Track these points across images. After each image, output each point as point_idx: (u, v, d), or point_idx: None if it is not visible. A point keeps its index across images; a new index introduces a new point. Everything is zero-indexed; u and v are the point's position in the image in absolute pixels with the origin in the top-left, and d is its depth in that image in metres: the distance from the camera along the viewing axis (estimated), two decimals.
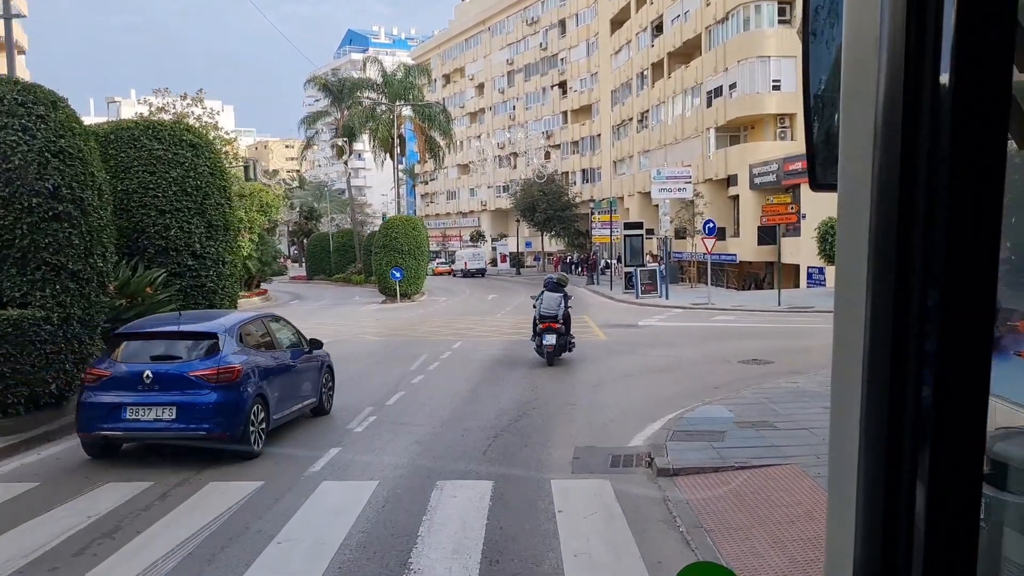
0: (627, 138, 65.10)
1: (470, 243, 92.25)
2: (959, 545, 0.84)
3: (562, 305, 18.56)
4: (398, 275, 39.89)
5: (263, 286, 59.32)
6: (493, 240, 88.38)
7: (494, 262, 76.50)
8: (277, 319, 12.01)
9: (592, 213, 49.68)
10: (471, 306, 37.44)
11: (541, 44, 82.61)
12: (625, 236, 38.19)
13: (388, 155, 54.44)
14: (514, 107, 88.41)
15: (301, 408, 11.40)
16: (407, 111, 54.03)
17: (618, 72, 66.40)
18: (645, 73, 60.54)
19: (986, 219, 0.80)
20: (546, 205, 70.00)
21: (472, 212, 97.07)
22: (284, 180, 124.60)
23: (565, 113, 79.80)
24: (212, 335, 9.81)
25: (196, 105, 40.32)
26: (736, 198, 47.63)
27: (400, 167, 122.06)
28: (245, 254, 46.96)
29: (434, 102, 59.46)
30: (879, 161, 0.84)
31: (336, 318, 31.64)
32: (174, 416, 9.19)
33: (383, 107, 52.56)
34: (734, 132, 48.76)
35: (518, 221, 74.18)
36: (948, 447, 0.82)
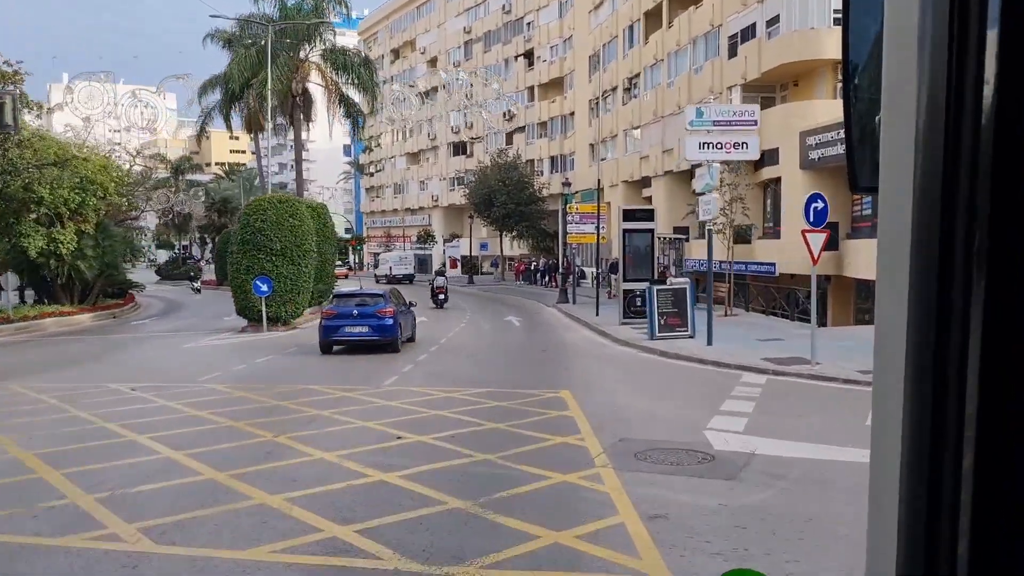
0: (609, 113, 50.27)
1: (417, 244, 76.97)
2: (1006, 550, 0.80)
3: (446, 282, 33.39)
4: (264, 289, 24.66)
5: (134, 292, 43.67)
6: (445, 241, 73.25)
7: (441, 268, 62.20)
8: (397, 291, 22.50)
9: (568, 202, 34.74)
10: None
11: (504, 6, 67.72)
12: (625, 232, 23.31)
13: (289, 121, 38.91)
14: (471, 83, 73.27)
15: (409, 335, 20.98)
16: (315, 57, 38.57)
17: (599, 31, 51.64)
18: (635, 26, 45.83)
19: None
20: (506, 197, 55.06)
21: (422, 209, 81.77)
22: (221, 173, 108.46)
23: (531, 89, 64.90)
24: (382, 295, 20.15)
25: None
26: (773, 184, 33.01)
27: (348, 160, 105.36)
28: (66, 251, 31.34)
29: (351, 49, 43.81)
30: (921, 163, 0.83)
31: (92, 388, 16.27)
32: (367, 330, 19.05)
33: (285, 52, 37.02)
34: (766, 91, 34.13)
35: (471, 218, 59.09)
36: (993, 452, 0.79)
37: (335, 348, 19.73)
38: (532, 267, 55.66)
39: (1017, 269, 0.77)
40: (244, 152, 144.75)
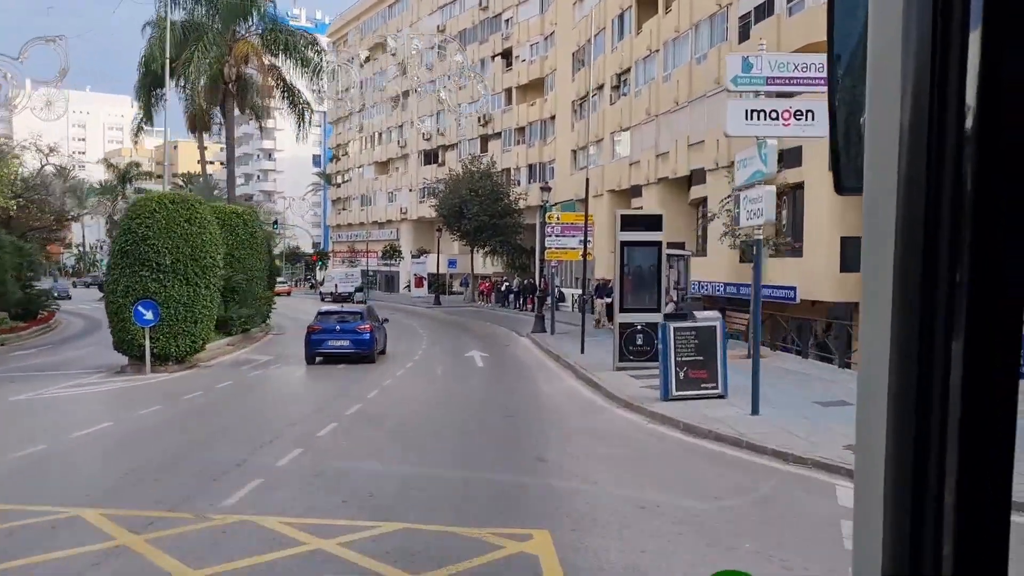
0: (595, 114, 44.49)
1: (383, 260, 70.82)
2: (989, 549, 0.82)
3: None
4: (148, 316, 18.51)
5: (52, 310, 37.21)
6: (413, 257, 67.19)
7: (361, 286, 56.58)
8: (372, 308, 23.91)
9: (548, 211, 28.86)
10: (279, 411, 16.12)
11: (480, 2, 62.12)
12: (623, 246, 17.36)
13: (222, 112, 32.64)
14: (444, 86, 67.50)
15: (382, 347, 22.14)
16: (254, 38, 32.31)
17: (583, 24, 45.98)
18: (626, 14, 40.17)
19: (1013, 224, 0.78)
20: (478, 208, 49.13)
21: (390, 222, 75.60)
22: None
23: (509, 91, 59.15)
24: (360, 313, 21.89)
25: None
26: (792, 190, 27.31)
27: (317, 171, 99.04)
28: None
29: (295, 28, 37.58)
30: (905, 166, 0.83)
31: None
32: (348, 343, 20.45)
33: (214, 29, 30.80)
34: None
35: (439, 231, 53.00)
36: (976, 452, 0.81)
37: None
38: (503, 287, 49.58)
39: (1002, 272, 0.78)
40: (213, 163, 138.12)
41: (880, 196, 0.86)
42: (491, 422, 12.85)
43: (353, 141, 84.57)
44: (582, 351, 20.96)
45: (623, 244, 17.42)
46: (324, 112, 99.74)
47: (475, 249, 53.35)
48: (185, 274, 19.45)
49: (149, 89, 32.02)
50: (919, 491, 0.84)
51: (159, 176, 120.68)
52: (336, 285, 54.96)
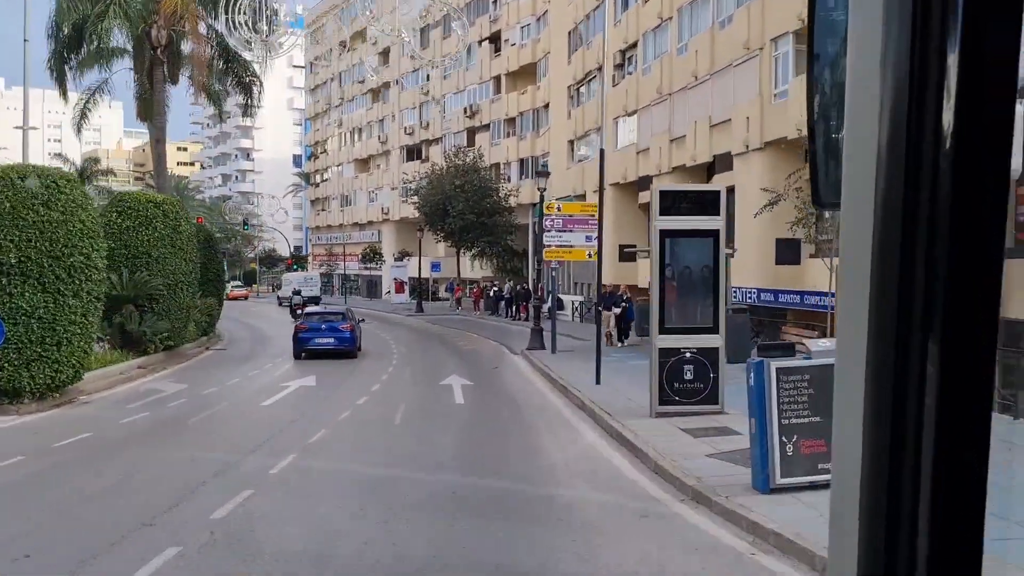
0: (593, 100, 39.02)
1: (363, 264, 65.15)
2: (963, 549, 0.83)
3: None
4: None
5: None
6: (395, 260, 61.49)
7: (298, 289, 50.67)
8: (351, 310, 26.19)
9: (547, 203, 23.33)
10: (104, 511, 9.99)
11: None
12: (665, 238, 11.81)
13: (148, 83, 26.83)
14: (428, 76, 62.00)
15: (358, 345, 23.63)
16: None
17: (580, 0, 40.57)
18: None
19: (989, 238, 0.80)
20: (463, 206, 43.57)
21: (371, 223, 69.95)
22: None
23: (498, 79, 53.58)
24: (342, 314, 24.00)
25: None
26: None
27: (298, 172, 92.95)
28: None
29: None
30: (882, 181, 0.84)
31: None
32: (333, 340, 22.33)
33: None
34: None
35: (420, 231, 47.37)
36: (949, 455, 0.82)
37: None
38: (491, 292, 43.95)
39: (978, 285, 0.80)
40: (193, 165, 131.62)
41: (857, 211, 0.86)
42: (464, 554, 7.08)
43: (332, 138, 78.92)
44: (597, 380, 15.38)
45: (663, 235, 11.81)
46: (303, 109, 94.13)
47: (461, 251, 47.77)
48: (40, 277, 13.73)
49: (63, 57, 26.24)
50: (893, 493, 0.84)
51: (139, 178, 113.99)
52: (294, 290, 49.32)
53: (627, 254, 28.20)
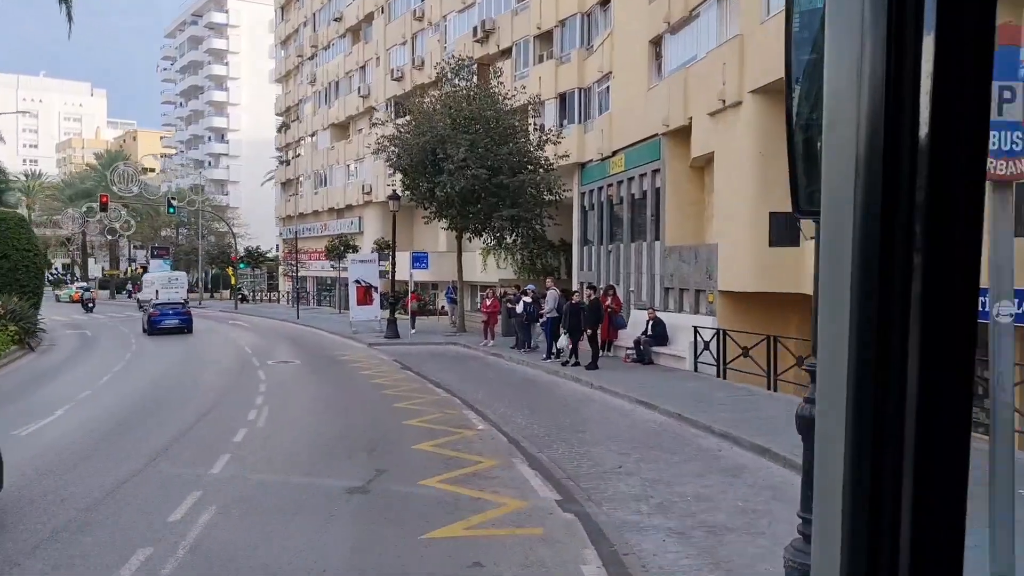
0: None
1: (331, 262, 46.45)
2: (945, 557, 0.84)
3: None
4: None
5: None
6: (357, 255, 42.16)
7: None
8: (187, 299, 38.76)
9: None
10: None
11: None
12: None
13: None
14: None
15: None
16: None
17: None
18: None
19: (966, 246, 0.81)
20: (468, 152, 24.75)
21: (351, 208, 51.33)
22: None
23: None
24: (183, 302, 35.97)
25: None
26: None
27: (279, 155, 73.30)
28: None
29: None
30: (861, 190, 0.85)
31: None
32: (177, 322, 31.79)
33: None
34: None
35: (396, 199, 28.44)
36: (930, 459, 0.83)
37: None
38: (513, 308, 24.65)
39: (956, 293, 0.81)
40: (174, 150, 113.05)
41: (836, 220, 0.86)
42: None
43: (305, 102, 60.35)
44: None
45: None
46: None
47: (463, 235, 28.94)
48: None
49: None
50: (876, 497, 0.85)
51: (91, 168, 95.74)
52: (157, 292, 43.68)
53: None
